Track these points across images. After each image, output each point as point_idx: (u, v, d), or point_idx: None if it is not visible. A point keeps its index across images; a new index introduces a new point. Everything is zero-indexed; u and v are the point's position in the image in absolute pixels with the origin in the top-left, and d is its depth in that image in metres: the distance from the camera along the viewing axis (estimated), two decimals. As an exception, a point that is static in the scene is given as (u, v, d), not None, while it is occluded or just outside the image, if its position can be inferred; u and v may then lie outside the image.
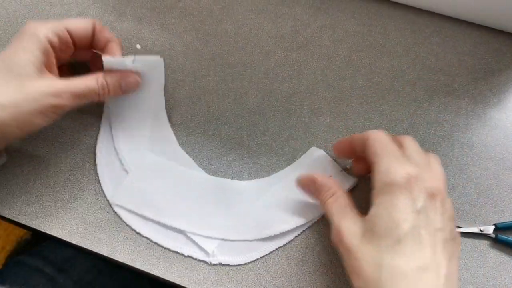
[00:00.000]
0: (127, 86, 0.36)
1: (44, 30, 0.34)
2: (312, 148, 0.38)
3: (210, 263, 0.35)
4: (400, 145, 0.33)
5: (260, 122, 0.39)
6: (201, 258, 0.35)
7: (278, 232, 0.35)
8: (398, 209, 0.29)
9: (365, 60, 0.42)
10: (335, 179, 0.36)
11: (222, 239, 0.36)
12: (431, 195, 0.30)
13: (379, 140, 0.32)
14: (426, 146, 0.38)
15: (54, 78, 0.34)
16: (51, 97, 0.33)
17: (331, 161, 0.37)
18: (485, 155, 0.38)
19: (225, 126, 0.39)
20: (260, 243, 0.36)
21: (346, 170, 0.37)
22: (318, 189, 0.34)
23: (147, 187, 0.37)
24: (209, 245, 0.35)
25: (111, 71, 0.36)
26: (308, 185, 0.35)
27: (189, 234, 0.36)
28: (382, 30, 0.42)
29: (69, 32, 0.35)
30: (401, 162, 0.31)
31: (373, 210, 0.30)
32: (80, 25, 0.36)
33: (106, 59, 0.35)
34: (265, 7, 0.43)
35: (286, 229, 0.36)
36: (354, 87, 0.40)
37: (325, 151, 0.38)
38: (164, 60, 0.39)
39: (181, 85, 0.41)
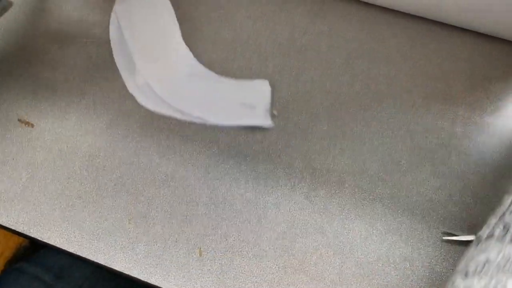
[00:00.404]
0: None
1: None
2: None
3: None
4: None
5: (257, 128, 0.39)
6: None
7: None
8: None
9: (363, 66, 0.42)
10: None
11: None
12: None
13: None
14: (423, 154, 0.38)
15: None
16: None
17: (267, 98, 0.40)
18: (482, 162, 0.38)
19: (222, 133, 0.39)
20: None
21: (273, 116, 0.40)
22: None
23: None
24: None
25: None
26: None
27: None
28: (379, 37, 0.42)
29: None
30: None
31: None
32: None
33: None
34: (263, 14, 0.43)
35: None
36: (352, 93, 0.40)
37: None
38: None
39: (178, 92, 0.41)
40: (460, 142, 0.39)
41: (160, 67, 0.41)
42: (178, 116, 0.40)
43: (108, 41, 0.42)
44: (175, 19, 0.40)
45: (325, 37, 0.43)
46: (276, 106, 0.40)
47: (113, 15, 0.43)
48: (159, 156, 0.38)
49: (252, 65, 0.42)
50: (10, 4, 0.38)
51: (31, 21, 0.44)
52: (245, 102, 0.40)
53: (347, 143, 0.38)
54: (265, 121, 0.39)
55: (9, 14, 0.44)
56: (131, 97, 0.40)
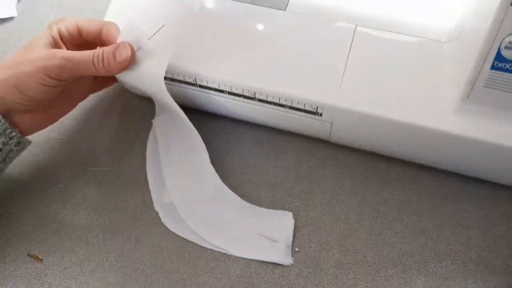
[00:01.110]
0: (120, 57, 0.37)
1: (56, 25, 0.39)
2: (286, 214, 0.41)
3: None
4: None
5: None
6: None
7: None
8: None
9: (371, 189, 0.42)
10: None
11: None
12: None
13: None
14: (440, 280, 0.37)
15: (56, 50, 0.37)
16: (45, 59, 0.36)
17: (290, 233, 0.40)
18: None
19: (233, 264, 0.39)
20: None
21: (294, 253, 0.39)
22: None
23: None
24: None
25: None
26: None
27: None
28: (385, 159, 0.43)
29: (79, 28, 0.40)
30: None
31: None
32: (90, 23, 0.40)
33: (125, 27, 0.38)
34: (269, 138, 0.45)
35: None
36: (362, 218, 0.40)
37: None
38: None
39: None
40: (476, 268, 0.38)
41: (187, 187, 0.41)
42: (197, 241, 0.40)
43: (117, 170, 0.43)
44: (201, 141, 0.41)
45: (330, 161, 0.44)
46: (297, 242, 0.40)
47: (153, 127, 0.44)
48: (169, 291, 0.37)
49: (260, 191, 0.42)
50: (29, 143, 0.39)
51: (44, 152, 0.45)
52: (267, 235, 0.40)
53: (360, 271, 0.38)
54: (286, 259, 0.38)
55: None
56: (141, 226, 0.40)
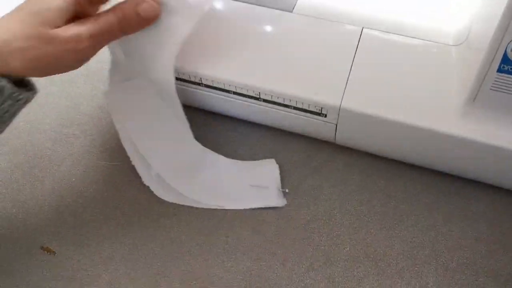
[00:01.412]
0: (145, 12, 0.35)
1: None
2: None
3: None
4: None
5: (278, 251, 0.39)
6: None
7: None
8: None
9: (381, 183, 0.42)
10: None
11: None
12: None
13: None
14: (450, 274, 0.37)
15: (71, 24, 0.34)
16: (73, 43, 0.33)
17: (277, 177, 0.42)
18: (510, 284, 0.37)
19: (243, 256, 0.39)
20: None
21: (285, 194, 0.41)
22: None
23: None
24: None
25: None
26: None
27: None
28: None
29: None
30: None
31: None
32: None
33: None
34: (276, 135, 0.45)
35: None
36: (372, 212, 0.41)
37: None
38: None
39: (199, 213, 0.41)
40: (486, 261, 0.38)
41: (169, 155, 0.42)
42: (195, 205, 0.41)
43: (129, 165, 0.44)
44: (181, 111, 0.41)
45: (340, 154, 0.44)
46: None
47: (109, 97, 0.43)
48: (180, 282, 0.38)
49: (271, 185, 0.42)
50: (34, 93, 0.36)
51: (56, 147, 0.46)
52: (257, 184, 0.42)
53: (371, 264, 0.38)
54: (279, 201, 0.41)
55: (35, 139, 0.46)
56: (153, 219, 0.41)
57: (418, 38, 0.40)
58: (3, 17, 0.33)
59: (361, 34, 0.40)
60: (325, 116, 0.40)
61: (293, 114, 0.41)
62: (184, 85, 0.43)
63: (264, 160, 0.44)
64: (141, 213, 0.41)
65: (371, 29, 0.41)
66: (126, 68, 0.41)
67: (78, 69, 0.36)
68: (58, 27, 0.33)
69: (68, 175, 0.44)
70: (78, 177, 0.43)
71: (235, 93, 0.42)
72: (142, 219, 0.41)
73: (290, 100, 0.40)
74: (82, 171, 0.44)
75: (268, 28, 0.43)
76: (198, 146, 0.43)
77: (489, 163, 0.38)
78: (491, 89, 0.34)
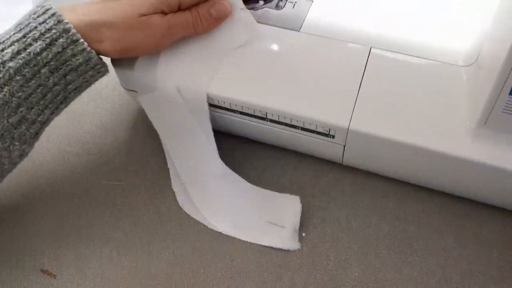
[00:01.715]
0: (218, 12, 0.39)
1: None
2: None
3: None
4: None
5: (284, 275, 0.38)
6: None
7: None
8: None
9: (390, 205, 0.41)
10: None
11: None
12: None
13: None
14: (462, 301, 0.36)
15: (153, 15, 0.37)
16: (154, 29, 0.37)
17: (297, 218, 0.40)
18: (526, 311, 0.36)
19: (248, 279, 0.38)
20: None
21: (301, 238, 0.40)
22: None
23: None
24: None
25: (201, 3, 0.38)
26: None
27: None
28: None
29: None
30: None
31: None
32: None
33: None
34: (285, 155, 0.45)
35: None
36: (380, 235, 0.40)
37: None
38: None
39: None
40: (498, 287, 0.37)
41: (195, 169, 0.42)
42: (205, 223, 0.40)
43: (132, 184, 0.43)
44: (209, 126, 0.42)
45: (347, 179, 0.43)
46: (306, 228, 0.40)
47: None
48: (184, 308, 0.37)
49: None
50: (106, 72, 0.39)
51: (59, 165, 0.45)
52: (274, 221, 0.40)
53: (380, 290, 0.37)
54: (293, 245, 0.39)
55: (37, 158, 0.45)
56: (156, 241, 0.40)
57: (427, 59, 0.39)
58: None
59: (369, 54, 0.40)
60: (333, 137, 0.39)
61: (300, 135, 0.40)
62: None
63: (288, 195, 0.41)
64: (145, 234, 0.40)
65: (379, 48, 0.40)
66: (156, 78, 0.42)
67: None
68: (144, 15, 0.37)
69: (70, 195, 0.43)
70: (80, 197, 0.43)
71: (241, 112, 0.41)
72: (145, 241, 0.40)
73: (297, 121, 0.39)
74: (84, 191, 0.43)
75: (275, 47, 0.42)
76: (222, 165, 0.42)
77: (501, 186, 0.37)
78: (503, 112, 0.33)
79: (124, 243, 0.40)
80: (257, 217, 0.40)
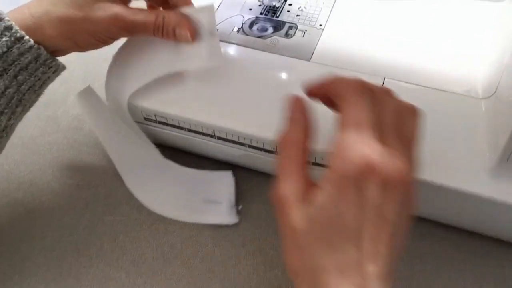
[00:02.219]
0: (179, 36, 0.37)
1: None
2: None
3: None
4: (377, 102, 0.27)
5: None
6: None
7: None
8: (344, 205, 0.25)
9: (406, 244, 0.39)
10: None
11: None
12: (385, 188, 0.24)
13: (355, 103, 0.27)
14: None
15: (112, 4, 0.35)
16: (108, 19, 0.35)
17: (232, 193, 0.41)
18: None
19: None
20: None
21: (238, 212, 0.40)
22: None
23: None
24: None
25: (173, 14, 0.37)
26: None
27: None
28: (419, 209, 0.41)
29: None
30: (364, 140, 0.25)
31: (320, 195, 0.25)
32: None
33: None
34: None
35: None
36: (397, 276, 0.37)
37: None
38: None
39: None
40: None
41: (130, 159, 0.42)
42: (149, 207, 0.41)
43: (135, 220, 0.41)
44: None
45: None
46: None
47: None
48: None
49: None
50: (63, 67, 0.37)
51: (60, 199, 0.43)
52: (209, 198, 0.41)
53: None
54: (231, 219, 0.40)
55: (36, 191, 0.43)
56: (160, 281, 0.38)
57: (443, 90, 0.38)
58: None
59: (382, 85, 0.38)
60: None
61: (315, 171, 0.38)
62: (190, 135, 0.41)
63: (221, 171, 0.42)
64: (148, 275, 0.38)
65: (393, 79, 0.39)
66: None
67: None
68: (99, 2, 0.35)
69: (70, 229, 0.41)
70: (81, 232, 0.41)
71: (250, 146, 0.39)
72: (148, 282, 0.38)
73: (315, 158, 0.37)
74: (85, 225, 0.41)
75: (286, 76, 0.41)
76: (159, 154, 0.42)
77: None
78: (527, 147, 0.32)
79: (126, 284, 0.38)
80: (194, 197, 0.41)
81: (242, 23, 0.44)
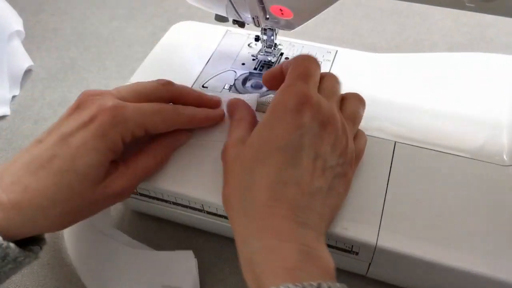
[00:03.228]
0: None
1: (121, 134, 0.30)
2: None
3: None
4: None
5: None
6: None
7: None
8: (280, 127, 0.28)
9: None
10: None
11: None
12: (323, 124, 0.28)
13: (302, 59, 0.31)
14: None
15: (113, 178, 0.30)
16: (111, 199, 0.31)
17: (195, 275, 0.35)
18: None
19: None
20: None
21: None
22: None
23: None
24: None
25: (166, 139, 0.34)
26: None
27: None
28: None
29: (146, 131, 0.32)
30: (303, 84, 0.29)
31: (257, 126, 0.30)
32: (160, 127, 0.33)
33: None
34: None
35: None
36: None
37: None
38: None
39: None
40: None
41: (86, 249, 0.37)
42: None
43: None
44: None
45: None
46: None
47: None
48: None
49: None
50: (36, 256, 0.30)
51: (26, 279, 0.37)
52: (170, 283, 0.35)
53: None
54: None
55: None
56: None
57: (465, 157, 0.33)
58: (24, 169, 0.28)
59: (394, 150, 0.34)
60: (357, 254, 0.32)
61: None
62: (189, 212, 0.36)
63: (180, 251, 0.36)
64: None
65: (405, 144, 0.34)
66: None
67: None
68: (99, 182, 0.30)
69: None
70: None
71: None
72: None
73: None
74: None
75: None
76: (111, 240, 0.37)
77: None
78: None
79: None
80: (153, 283, 0.35)
81: (235, 79, 0.40)
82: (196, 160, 0.35)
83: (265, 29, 0.40)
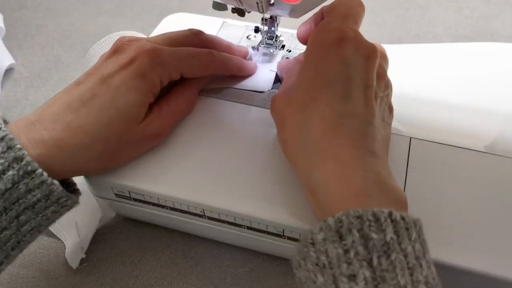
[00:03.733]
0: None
1: (159, 75, 0.30)
2: None
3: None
4: None
5: None
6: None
7: None
8: (324, 63, 0.27)
9: None
10: None
11: None
12: (366, 56, 0.28)
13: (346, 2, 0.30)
14: None
15: (150, 119, 0.31)
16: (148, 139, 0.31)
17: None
18: None
19: None
20: None
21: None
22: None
23: None
24: None
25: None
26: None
27: None
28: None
29: (182, 74, 0.32)
30: (344, 21, 0.29)
31: (300, 70, 0.29)
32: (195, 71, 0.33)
33: None
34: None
35: None
36: None
37: None
38: None
39: None
40: None
41: None
42: None
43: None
44: None
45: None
46: None
47: None
48: None
49: None
50: (77, 200, 0.30)
51: None
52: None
53: None
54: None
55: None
56: None
57: (493, 153, 0.31)
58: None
59: (409, 150, 0.32)
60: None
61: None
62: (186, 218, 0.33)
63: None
64: None
65: (419, 139, 0.32)
66: None
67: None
68: (138, 122, 0.30)
69: None
70: None
71: (248, 227, 0.31)
72: None
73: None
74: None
75: None
76: None
77: None
78: None
79: None
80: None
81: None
82: (196, 162, 0.32)
83: (266, 20, 0.37)
